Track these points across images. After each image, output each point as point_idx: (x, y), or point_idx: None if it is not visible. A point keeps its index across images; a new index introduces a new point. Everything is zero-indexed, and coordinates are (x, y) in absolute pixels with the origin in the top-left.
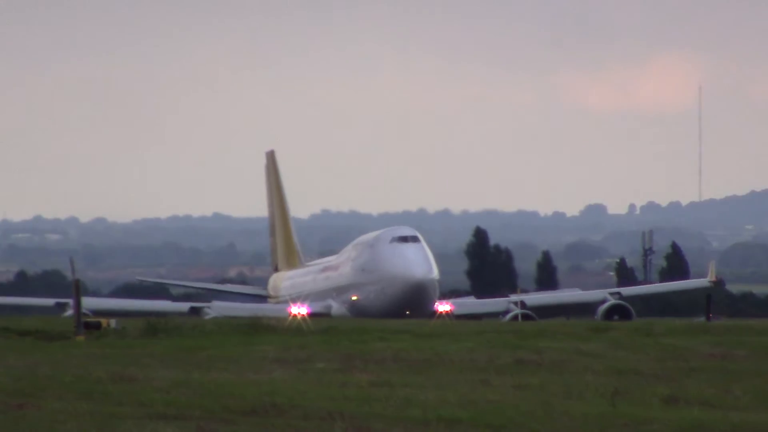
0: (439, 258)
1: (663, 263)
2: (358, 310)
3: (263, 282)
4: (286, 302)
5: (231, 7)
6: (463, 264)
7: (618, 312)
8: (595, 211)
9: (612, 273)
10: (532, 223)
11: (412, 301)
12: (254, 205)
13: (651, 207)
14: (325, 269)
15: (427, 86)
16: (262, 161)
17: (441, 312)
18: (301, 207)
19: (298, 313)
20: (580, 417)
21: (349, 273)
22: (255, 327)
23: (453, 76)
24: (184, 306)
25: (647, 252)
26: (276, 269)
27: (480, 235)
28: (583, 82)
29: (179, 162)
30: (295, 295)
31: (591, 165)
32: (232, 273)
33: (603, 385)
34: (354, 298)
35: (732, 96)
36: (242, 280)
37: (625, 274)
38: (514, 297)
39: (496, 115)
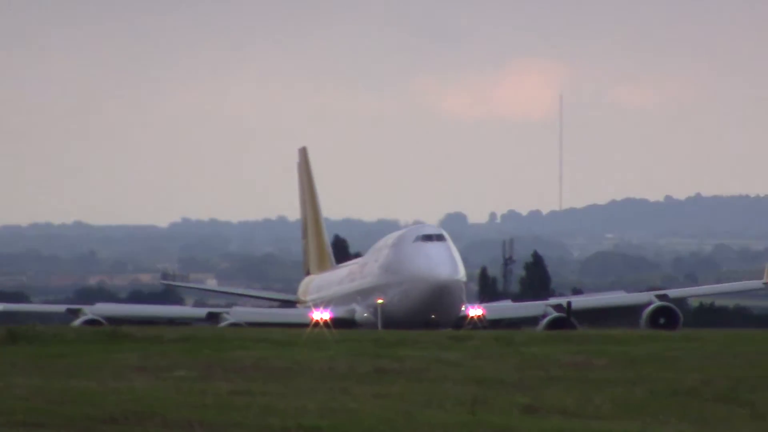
0: (300, 266)
1: (523, 273)
2: (383, 315)
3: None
4: (309, 307)
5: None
6: None
7: (664, 315)
8: (456, 219)
9: (472, 282)
10: (392, 232)
11: (437, 303)
12: (113, 212)
13: (512, 216)
14: (351, 271)
15: (277, 92)
16: (117, 169)
17: (472, 317)
18: (162, 215)
19: (320, 318)
20: (441, 426)
21: (373, 274)
22: (115, 335)
23: (305, 83)
24: (201, 311)
25: (507, 261)
26: (308, 273)
27: (340, 243)
28: (441, 89)
29: (39, 168)
30: (320, 299)
31: (451, 173)
32: (93, 281)
33: (463, 394)
34: (380, 301)
35: (592, 104)
36: (101, 288)
37: (486, 284)
38: (553, 300)
39: (351, 122)
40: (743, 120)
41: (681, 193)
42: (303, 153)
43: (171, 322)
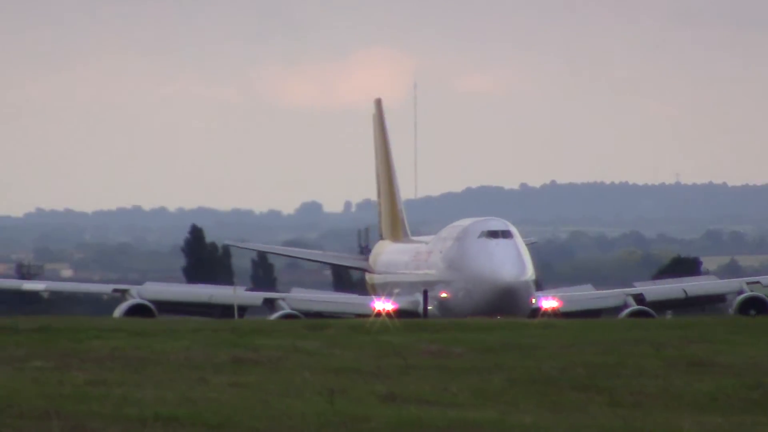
0: (156, 256)
1: None
2: (447, 310)
3: None
4: (373, 288)
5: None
6: (180, 261)
7: (755, 305)
8: (311, 209)
9: (327, 272)
10: (248, 221)
11: (501, 305)
12: None
13: (367, 205)
14: (417, 255)
15: (122, 83)
16: None
17: (546, 309)
18: (16, 205)
19: (383, 309)
20: (299, 415)
21: (437, 267)
22: None
23: (150, 72)
24: (258, 298)
25: (363, 250)
26: (381, 237)
27: (196, 232)
28: (290, 78)
29: None
30: (384, 281)
31: (305, 163)
32: None
33: (321, 383)
34: (444, 295)
35: (446, 92)
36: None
37: (339, 273)
38: (639, 286)
39: (197, 111)
40: (595, 108)
41: (536, 181)
42: (378, 105)
43: (226, 310)
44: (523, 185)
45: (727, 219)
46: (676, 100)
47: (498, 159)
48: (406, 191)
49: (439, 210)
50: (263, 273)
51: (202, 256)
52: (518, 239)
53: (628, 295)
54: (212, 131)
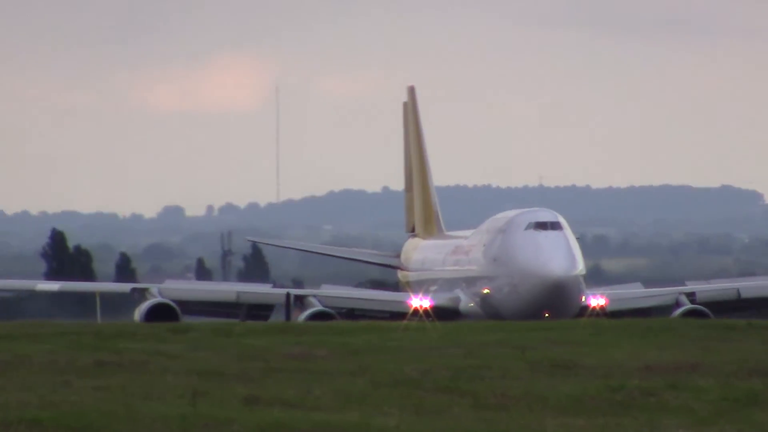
0: (18, 260)
1: (242, 265)
2: (490, 307)
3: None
4: (407, 286)
5: None
6: (42, 266)
7: None
8: (173, 212)
9: (191, 274)
10: (111, 225)
11: (551, 302)
12: None
13: (229, 208)
14: (456, 250)
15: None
16: None
17: (593, 307)
18: None
19: (420, 306)
20: (161, 418)
21: (480, 261)
22: None
23: (8, 75)
24: (281, 293)
25: (226, 253)
26: (413, 231)
27: (57, 236)
28: (149, 81)
29: None
30: (420, 278)
31: (167, 166)
32: None
33: (183, 386)
34: (486, 291)
35: (308, 96)
36: None
37: (203, 275)
38: (691, 285)
39: (61, 115)
40: (455, 111)
41: (398, 184)
42: (411, 92)
43: (255, 308)
44: (385, 188)
45: (590, 222)
46: (537, 102)
47: (361, 162)
48: (268, 195)
49: (301, 213)
50: (126, 278)
51: (64, 260)
52: (568, 231)
53: (681, 293)
54: (73, 135)
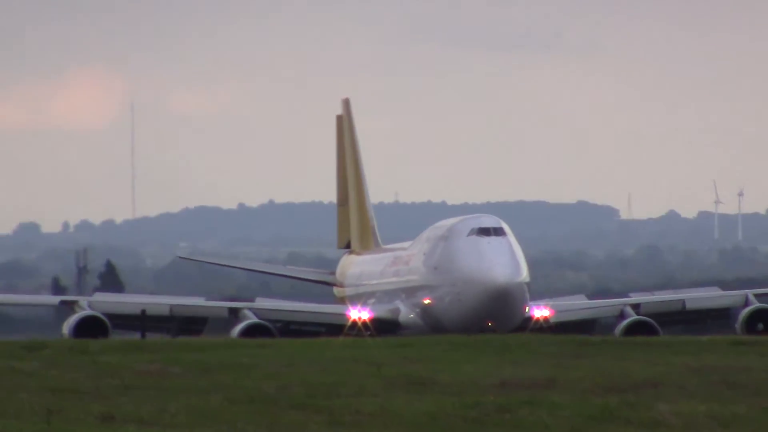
0: None
1: (98, 282)
2: (432, 318)
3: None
4: (346, 297)
5: None
6: None
7: (760, 318)
8: (29, 229)
9: (45, 291)
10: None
11: (495, 310)
12: None
13: (85, 225)
14: (395, 261)
15: None
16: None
17: (537, 318)
18: None
19: (359, 318)
20: None
21: (420, 270)
22: None
23: None
24: (223, 307)
25: (81, 270)
26: (348, 247)
27: None
28: (1, 99)
29: None
30: (357, 292)
31: (22, 184)
32: None
33: (38, 404)
34: (427, 302)
35: (162, 112)
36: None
37: (59, 293)
38: (636, 296)
39: None
40: (305, 126)
41: (254, 201)
42: (346, 105)
43: (188, 322)
44: (241, 205)
45: None
46: (390, 118)
47: (215, 178)
48: (124, 212)
49: (156, 230)
50: None
51: None
52: (512, 237)
53: (626, 305)
54: None
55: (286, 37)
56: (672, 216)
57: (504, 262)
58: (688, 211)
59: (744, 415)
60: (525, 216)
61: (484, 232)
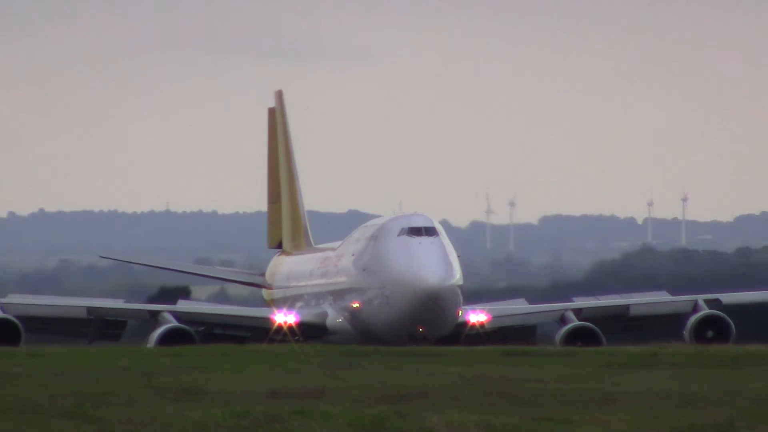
0: None
1: None
2: (360, 322)
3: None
4: (273, 300)
5: None
6: None
7: (713, 325)
8: None
9: None
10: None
11: (425, 315)
12: None
13: None
14: (324, 262)
15: None
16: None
17: (473, 324)
18: None
19: (284, 322)
20: None
21: (349, 271)
22: None
23: None
24: (143, 309)
25: None
26: (279, 247)
27: None
28: None
29: None
30: (286, 295)
31: None
32: None
33: None
34: (355, 305)
35: None
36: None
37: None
38: (579, 300)
39: None
40: (85, 135)
41: (24, 209)
42: (279, 97)
43: (107, 325)
44: (11, 213)
45: (216, 247)
46: (156, 126)
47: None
48: None
49: None
50: None
51: None
52: (444, 238)
53: (568, 310)
54: None
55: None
56: (443, 225)
57: (435, 263)
58: (461, 221)
59: (516, 425)
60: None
61: (415, 231)
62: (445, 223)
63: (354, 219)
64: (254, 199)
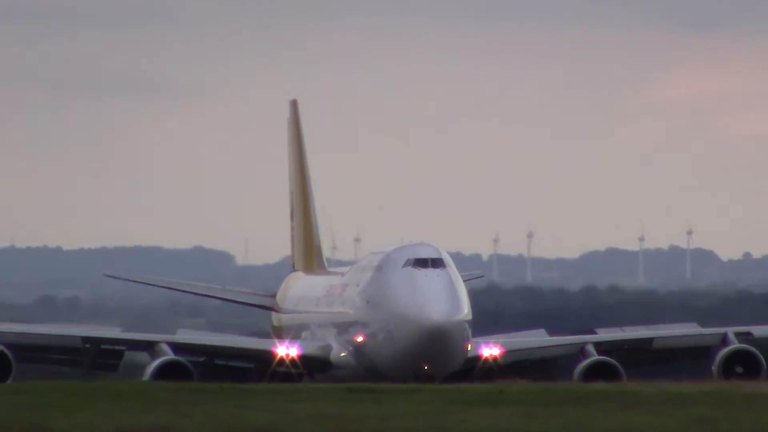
0: None
1: None
2: (364, 357)
3: None
4: (280, 331)
5: None
6: None
7: (740, 361)
8: None
9: None
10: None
11: (430, 352)
12: None
13: None
14: (330, 290)
15: None
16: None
17: (486, 357)
18: None
19: (286, 354)
20: None
21: (354, 303)
22: None
23: None
24: (139, 339)
25: None
26: (293, 268)
27: None
28: None
29: None
30: (293, 322)
31: None
32: None
33: None
34: (360, 339)
35: None
36: None
37: None
38: (603, 332)
39: None
40: None
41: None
42: (294, 107)
43: (103, 355)
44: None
45: (61, 283)
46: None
47: None
48: None
49: None
50: None
51: None
52: (452, 269)
53: (588, 343)
54: None
55: None
56: (284, 263)
57: (441, 297)
58: None
59: None
60: (142, 261)
61: (421, 263)
62: (285, 261)
63: (199, 254)
64: (99, 236)
